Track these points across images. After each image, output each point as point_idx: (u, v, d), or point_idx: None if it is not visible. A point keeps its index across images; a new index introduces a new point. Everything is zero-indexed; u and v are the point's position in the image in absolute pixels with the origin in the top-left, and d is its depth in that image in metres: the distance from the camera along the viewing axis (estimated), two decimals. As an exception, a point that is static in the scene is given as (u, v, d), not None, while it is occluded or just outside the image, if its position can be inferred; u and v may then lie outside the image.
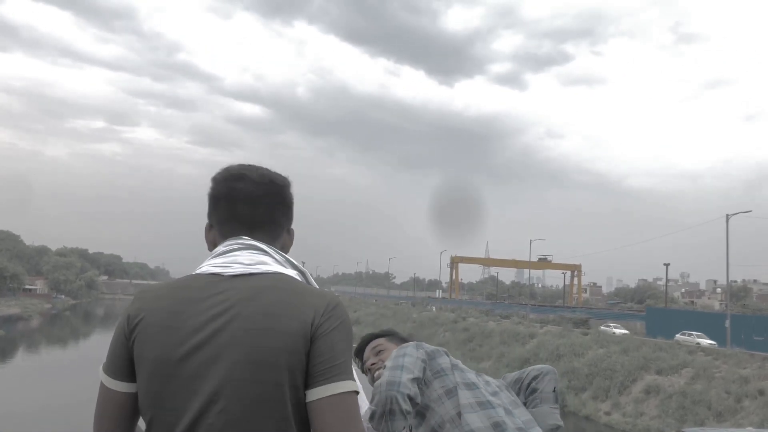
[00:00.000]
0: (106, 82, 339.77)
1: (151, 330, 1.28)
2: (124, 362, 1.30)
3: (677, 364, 27.73)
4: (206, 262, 1.39)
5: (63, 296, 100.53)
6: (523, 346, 38.76)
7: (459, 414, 1.72)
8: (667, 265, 58.03)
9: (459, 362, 1.90)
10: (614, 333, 39.33)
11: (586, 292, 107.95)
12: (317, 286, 1.43)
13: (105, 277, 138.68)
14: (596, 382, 29.30)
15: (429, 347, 1.87)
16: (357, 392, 1.28)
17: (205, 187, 1.49)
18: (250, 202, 1.41)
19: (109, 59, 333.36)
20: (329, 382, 1.24)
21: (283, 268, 1.38)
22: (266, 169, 1.48)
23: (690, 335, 37.08)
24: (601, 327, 44.34)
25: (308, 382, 1.25)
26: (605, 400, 27.80)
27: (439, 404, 1.76)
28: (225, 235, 1.43)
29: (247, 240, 1.39)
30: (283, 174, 1.50)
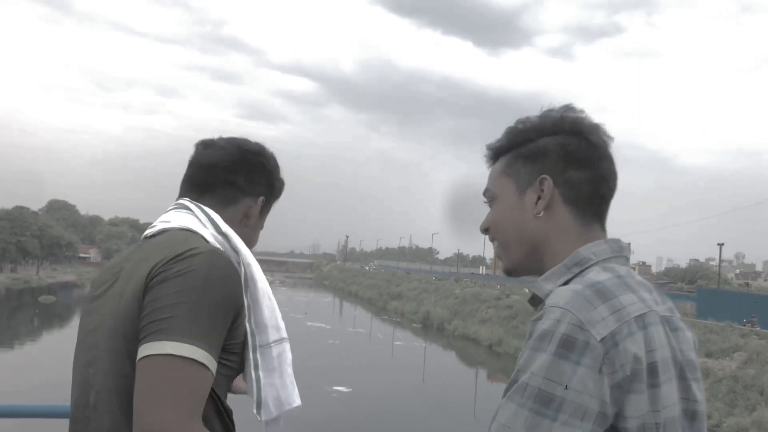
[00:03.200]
0: (156, 56, 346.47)
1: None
2: None
3: (729, 348, 26.96)
4: None
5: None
6: (567, 324, 38.34)
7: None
8: (721, 245, 56.14)
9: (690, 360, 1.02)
10: None
11: (635, 270, 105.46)
12: (243, 252, 1.23)
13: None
14: (642, 364, 28.76)
15: (620, 358, 0.87)
16: (175, 356, 1.00)
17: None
18: (207, 167, 1.34)
19: (158, 33, 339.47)
20: (142, 343, 1.04)
21: (201, 227, 1.24)
22: (243, 139, 1.40)
23: None
24: None
25: None
26: (651, 381, 27.23)
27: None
28: (179, 198, 1.36)
29: (181, 201, 1.33)
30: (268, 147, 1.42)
